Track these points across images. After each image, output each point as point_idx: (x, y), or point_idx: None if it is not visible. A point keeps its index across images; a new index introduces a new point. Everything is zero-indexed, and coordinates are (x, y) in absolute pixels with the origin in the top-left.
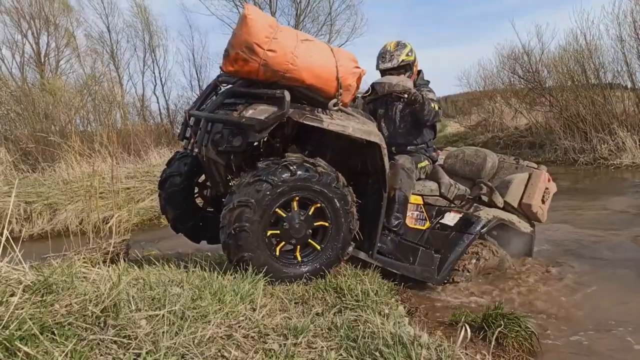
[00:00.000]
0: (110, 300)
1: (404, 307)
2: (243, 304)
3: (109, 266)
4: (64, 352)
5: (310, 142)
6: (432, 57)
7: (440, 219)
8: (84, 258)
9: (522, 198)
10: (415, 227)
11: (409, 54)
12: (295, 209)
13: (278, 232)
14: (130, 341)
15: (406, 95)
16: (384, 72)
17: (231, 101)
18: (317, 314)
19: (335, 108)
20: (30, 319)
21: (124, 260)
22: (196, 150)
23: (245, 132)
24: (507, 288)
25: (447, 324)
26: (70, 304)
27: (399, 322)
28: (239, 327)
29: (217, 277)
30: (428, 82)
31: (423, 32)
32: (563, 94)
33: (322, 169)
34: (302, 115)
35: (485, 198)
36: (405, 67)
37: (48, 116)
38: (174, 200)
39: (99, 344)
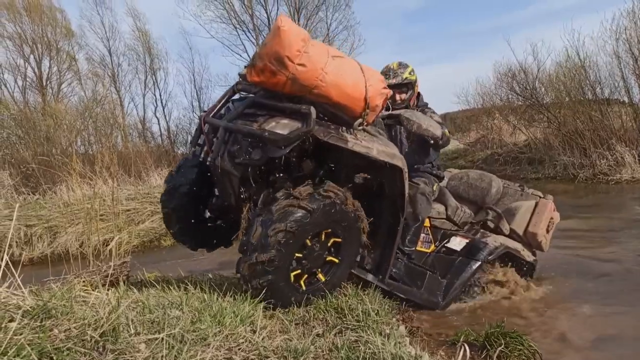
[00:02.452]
0: (110, 325)
1: (405, 327)
2: (243, 325)
3: (108, 289)
4: None
5: (329, 159)
6: (430, 74)
7: (446, 243)
8: (83, 281)
9: (527, 226)
10: (421, 249)
11: (411, 73)
12: (322, 240)
13: (301, 259)
14: None
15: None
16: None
17: (251, 112)
18: (318, 334)
19: (360, 128)
20: (29, 344)
21: (124, 283)
22: (210, 159)
23: (266, 146)
24: (510, 307)
25: (449, 343)
26: (69, 328)
27: (399, 343)
28: (239, 349)
29: (217, 298)
30: (427, 104)
31: (419, 49)
32: (561, 110)
33: (339, 198)
34: (327, 134)
35: (491, 224)
36: (407, 86)
37: (49, 139)
38: (181, 212)
39: None
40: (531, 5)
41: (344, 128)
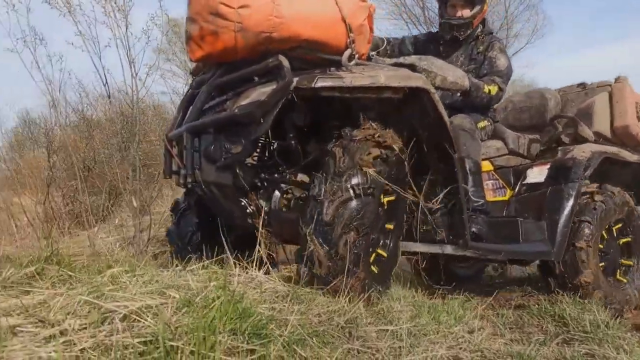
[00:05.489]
0: (352, 313)
1: None
2: (458, 325)
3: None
4: (333, 356)
5: (332, 129)
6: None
7: (524, 180)
8: None
9: (612, 122)
10: (496, 198)
11: None
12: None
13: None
14: (374, 353)
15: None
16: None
17: (214, 102)
18: (539, 342)
19: (353, 62)
20: (298, 325)
21: None
22: (189, 181)
23: (244, 129)
24: None
25: None
26: (319, 314)
27: None
28: (460, 349)
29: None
30: (493, 33)
31: (617, 25)
32: None
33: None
34: (312, 79)
35: (566, 138)
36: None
37: None
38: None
39: (349, 351)
40: None
41: (332, 69)
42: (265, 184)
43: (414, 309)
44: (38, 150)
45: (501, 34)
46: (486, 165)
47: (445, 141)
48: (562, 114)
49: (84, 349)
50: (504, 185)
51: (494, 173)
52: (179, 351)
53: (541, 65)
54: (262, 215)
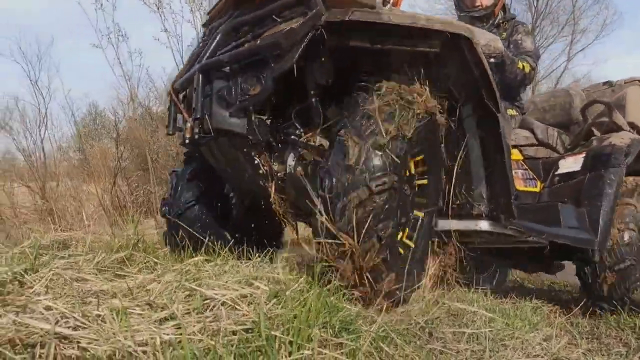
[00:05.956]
0: (432, 314)
1: None
2: (532, 332)
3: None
4: (418, 356)
5: (358, 90)
6: None
7: (556, 171)
8: None
9: None
10: (527, 189)
11: None
12: None
13: None
14: (455, 355)
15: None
16: None
17: (231, 46)
18: (620, 354)
19: (387, 6)
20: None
21: None
22: (196, 132)
23: (264, 67)
24: None
25: None
26: (399, 312)
27: None
28: (537, 356)
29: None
30: (515, 17)
31: None
32: None
33: None
34: (346, 12)
35: (597, 130)
36: None
37: None
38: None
39: (431, 351)
40: None
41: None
42: (280, 145)
43: (488, 313)
44: (102, 141)
45: (567, 30)
46: (515, 154)
47: (490, 100)
48: (597, 99)
49: (193, 332)
50: (535, 176)
51: (523, 163)
52: (277, 340)
53: (611, 63)
54: (275, 178)
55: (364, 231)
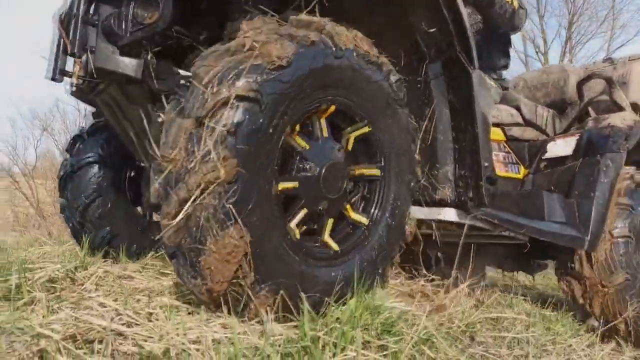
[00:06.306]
0: (472, 318)
1: None
2: (574, 337)
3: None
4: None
5: None
6: None
7: (543, 155)
8: None
9: None
10: (508, 174)
11: None
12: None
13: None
14: (497, 359)
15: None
16: None
17: None
18: None
19: None
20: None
21: None
22: (81, 77)
23: None
24: None
25: None
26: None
27: None
28: None
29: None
30: None
31: None
32: None
33: None
34: None
35: (593, 111)
36: None
37: None
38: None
39: (471, 356)
40: None
41: None
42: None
43: (527, 317)
44: None
45: (606, 25)
46: (497, 133)
47: (464, 52)
48: (596, 73)
49: (239, 333)
50: (518, 160)
51: (506, 145)
52: (321, 341)
53: None
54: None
55: None
